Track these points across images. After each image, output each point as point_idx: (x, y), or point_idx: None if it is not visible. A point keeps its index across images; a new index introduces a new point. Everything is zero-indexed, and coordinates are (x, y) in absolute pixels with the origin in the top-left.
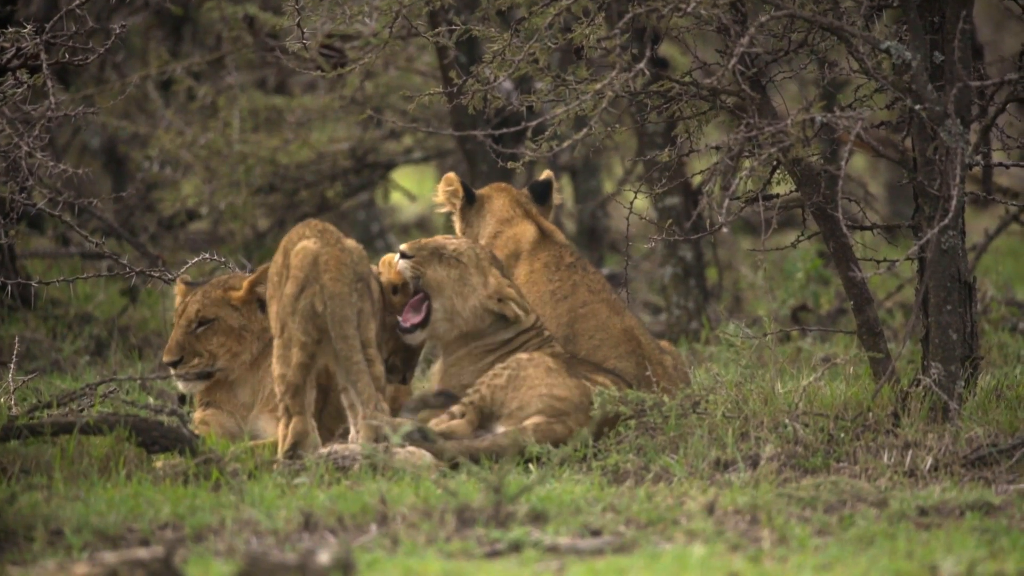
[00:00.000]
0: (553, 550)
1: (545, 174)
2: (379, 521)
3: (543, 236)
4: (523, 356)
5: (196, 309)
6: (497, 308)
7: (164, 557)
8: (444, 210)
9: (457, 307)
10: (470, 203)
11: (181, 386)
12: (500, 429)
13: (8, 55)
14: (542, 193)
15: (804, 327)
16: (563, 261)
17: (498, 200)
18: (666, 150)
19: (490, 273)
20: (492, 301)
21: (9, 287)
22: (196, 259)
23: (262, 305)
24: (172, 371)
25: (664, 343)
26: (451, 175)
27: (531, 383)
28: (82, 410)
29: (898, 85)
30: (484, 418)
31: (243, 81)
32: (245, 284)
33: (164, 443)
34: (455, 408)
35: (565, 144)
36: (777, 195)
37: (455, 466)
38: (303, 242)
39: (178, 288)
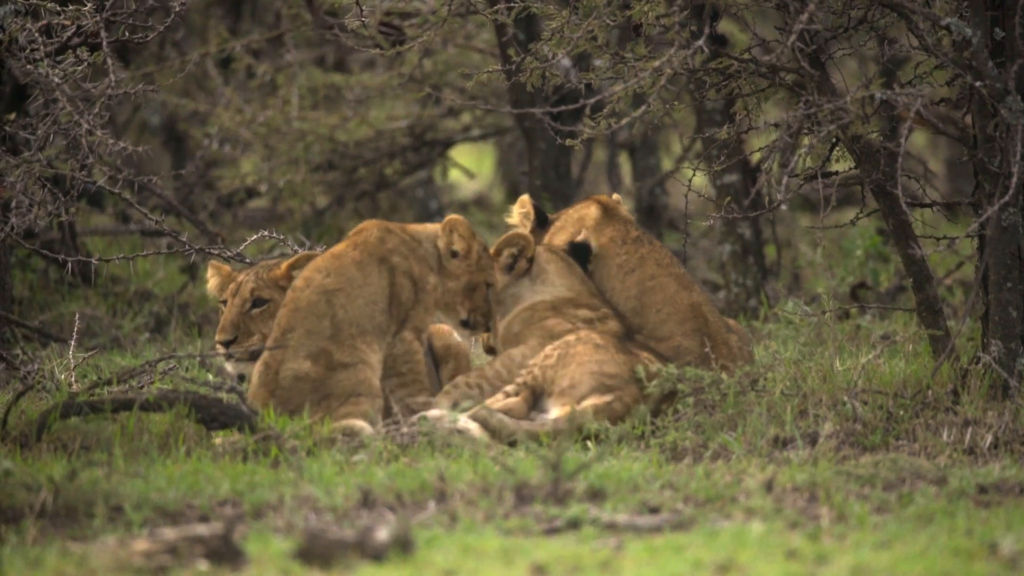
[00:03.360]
0: (611, 527)
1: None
2: (437, 498)
3: (606, 212)
4: (571, 338)
5: (251, 288)
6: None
7: (223, 533)
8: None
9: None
10: (541, 225)
11: (231, 367)
12: (552, 408)
13: (68, 33)
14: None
15: (863, 305)
16: (629, 235)
17: (560, 216)
18: (725, 127)
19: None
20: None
21: (70, 264)
22: (255, 236)
23: None
24: (223, 350)
25: (731, 322)
26: (525, 198)
27: (580, 359)
28: (142, 387)
29: (958, 62)
30: (536, 396)
31: (302, 59)
32: (284, 266)
33: (223, 420)
34: (509, 387)
35: (623, 122)
36: (836, 172)
37: (512, 444)
38: None
39: (211, 271)
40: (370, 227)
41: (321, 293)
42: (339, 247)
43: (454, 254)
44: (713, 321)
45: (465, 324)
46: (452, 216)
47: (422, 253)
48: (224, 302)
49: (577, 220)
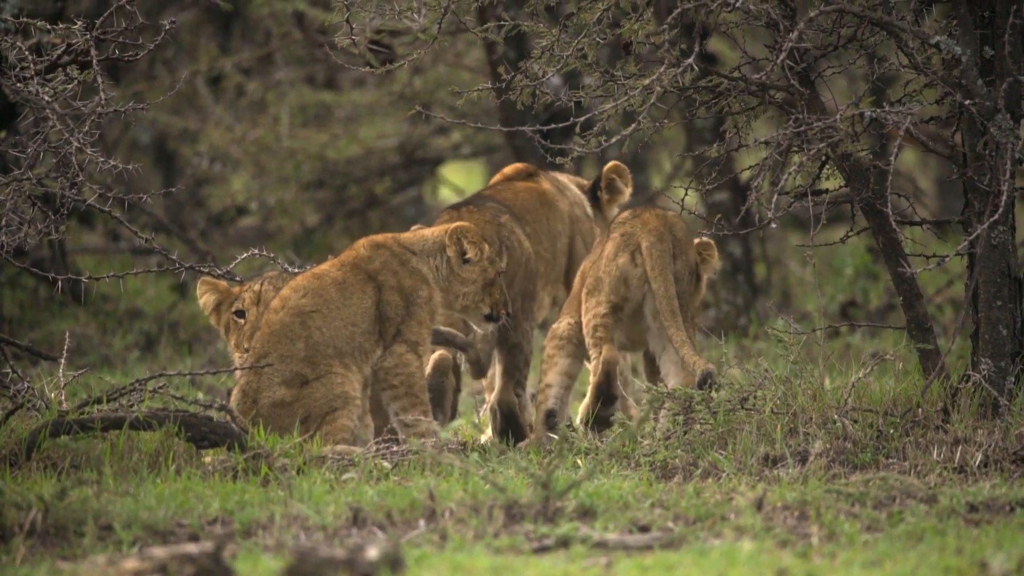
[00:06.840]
0: (601, 546)
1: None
2: (427, 516)
3: None
4: None
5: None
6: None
7: (213, 552)
8: None
9: None
10: None
11: None
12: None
13: (59, 51)
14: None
15: (853, 323)
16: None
17: None
18: (715, 145)
19: None
20: None
21: (59, 283)
22: (245, 255)
23: None
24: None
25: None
26: None
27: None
28: (132, 405)
29: (948, 80)
30: None
31: (292, 77)
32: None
33: (213, 438)
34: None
35: (613, 140)
36: (826, 190)
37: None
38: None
39: (202, 288)
40: (359, 245)
41: (296, 315)
42: (323, 266)
43: (466, 260)
44: None
45: (489, 319)
46: (458, 224)
47: (414, 265)
48: (241, 311)
49: None
